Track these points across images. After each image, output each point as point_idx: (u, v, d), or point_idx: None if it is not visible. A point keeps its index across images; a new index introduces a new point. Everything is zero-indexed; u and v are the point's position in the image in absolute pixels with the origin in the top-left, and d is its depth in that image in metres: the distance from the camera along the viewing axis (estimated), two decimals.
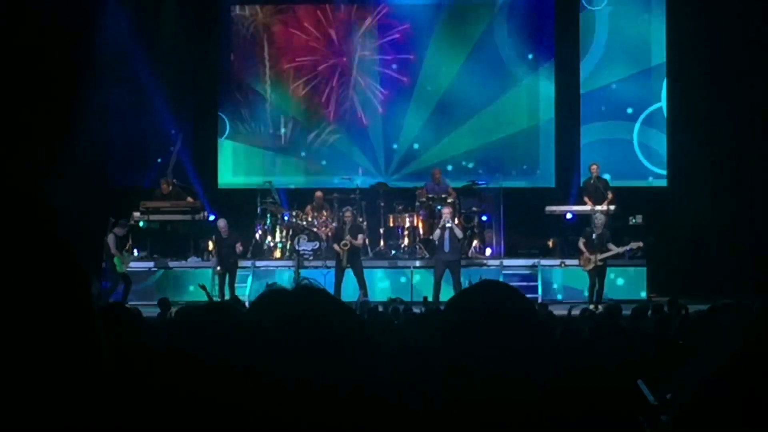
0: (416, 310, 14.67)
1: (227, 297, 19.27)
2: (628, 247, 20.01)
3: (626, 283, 20.80)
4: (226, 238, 20.41)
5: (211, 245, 22.12)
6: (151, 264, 21.50)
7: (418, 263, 21.13)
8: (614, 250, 19.73)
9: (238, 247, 20.40)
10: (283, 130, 24.58)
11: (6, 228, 1.39)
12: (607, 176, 22.20)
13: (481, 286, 2.68)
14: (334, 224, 21.62)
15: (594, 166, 21.76)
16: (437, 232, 19.74)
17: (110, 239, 20.27)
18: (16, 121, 21.06)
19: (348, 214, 20.32)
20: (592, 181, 21.70)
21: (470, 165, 23.90)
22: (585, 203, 21.58)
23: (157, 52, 23.63)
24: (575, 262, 20.26)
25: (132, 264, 20.89)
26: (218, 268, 20.48)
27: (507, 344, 2.43)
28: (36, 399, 1.38)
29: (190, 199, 22.05)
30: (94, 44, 23.13)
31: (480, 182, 22.79)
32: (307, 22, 24.59)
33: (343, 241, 19.81)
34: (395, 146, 24.25)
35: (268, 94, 24.49)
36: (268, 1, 24.93)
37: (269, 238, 21.76)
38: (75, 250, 1.48)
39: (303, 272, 20.01)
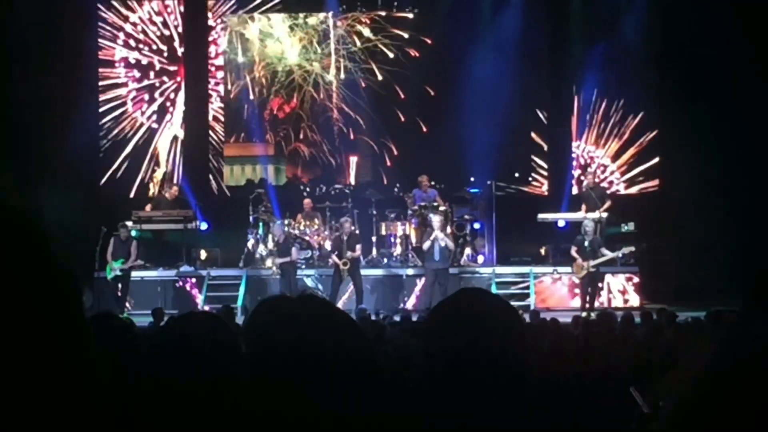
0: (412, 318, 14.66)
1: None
2: (620, 253, 20.01)
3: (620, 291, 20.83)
4: (282, 243, 20.41)
5: (203, 253, 22.13)
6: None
7: (410, 271, 21.10)
8: (608, 255, 19.72)
9: (294, 253, 20.39)
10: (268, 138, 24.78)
11: None
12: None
13: (460, 295, 2.67)
14: (326, 233, 21.66)
15: (590, 174, 21.79)
16: (427, 242, 19.74)
17: (111, 243, 20.22)
18: (7, 130, 21.04)
19: (347, 225, 20.26)
20: (586, 189, 21.66)
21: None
22: (578, 210, 21.56)
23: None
24: (568, 269, 20.28)
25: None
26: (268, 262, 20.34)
27: (485, 352, 2.42)
28: (26, 415, 1.37)
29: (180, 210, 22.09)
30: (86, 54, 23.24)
31: (472, 190, 22.79)
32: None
33: (343, 260, 19.79)
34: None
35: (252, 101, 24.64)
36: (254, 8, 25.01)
37: (261, 246, 21.71)
38: (64, 259, 1.47)
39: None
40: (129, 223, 21.25)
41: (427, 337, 2.54)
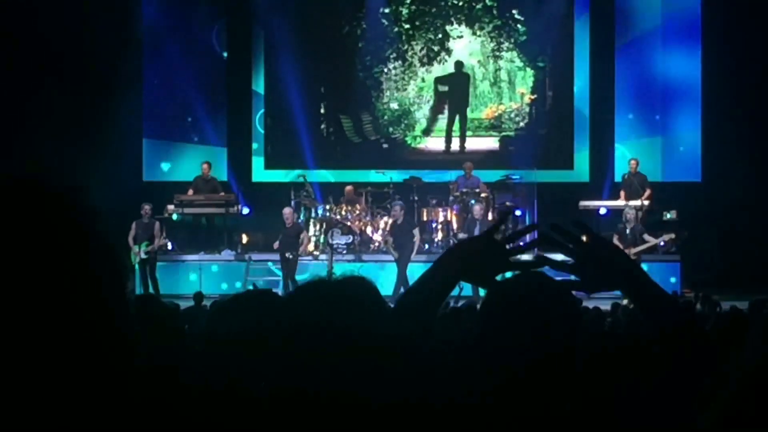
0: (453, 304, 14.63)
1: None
2: (661, 240, 19.96)
3: (659, 279, 20.72)
4: (290, 228, 20.39)
5: (244, 238, 22.19)
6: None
7: None
8: (651, 241, 19.69)
9: (303, 237, 20.34)
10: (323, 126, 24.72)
11: (41, 219, 1.41)
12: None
13: (518, 279, 2.67)
14: (368, 218, 21.66)
15: (633, 162, 21.76)
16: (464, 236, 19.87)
17: (132, 227, 20.08)
18: (51, 115, 21.18)
19: (398, 209, 20.38)
20: (628, 177, 21.68)
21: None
22: (619, 198, 21.54)
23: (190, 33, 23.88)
24: None
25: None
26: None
27: (543, 335, 2.43)
28: (62, 394, 1.39)
29: (222, 193, 22.11)
30: (131, 39, 23.35)
31: (514, 177, 22.75)
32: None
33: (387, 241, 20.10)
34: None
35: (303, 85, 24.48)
36: None
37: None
38: (108, 238, 1.49)
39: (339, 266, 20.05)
40: (170, 207, 21.41)
41: (481, 323, 2.55)
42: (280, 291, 19.31)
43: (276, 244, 20.28)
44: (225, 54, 24.43)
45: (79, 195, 1.48)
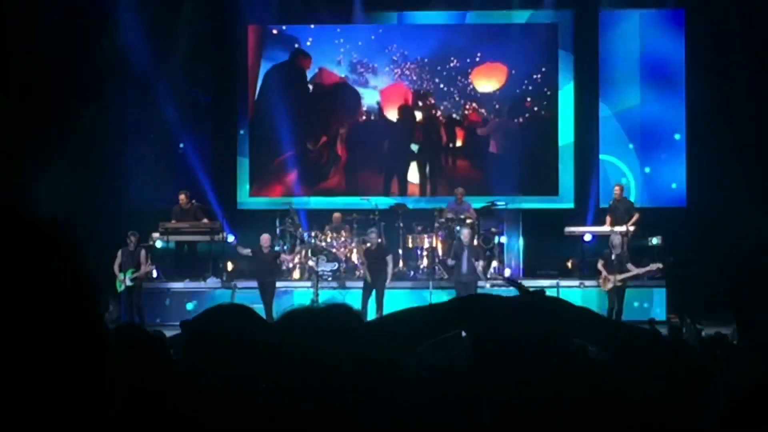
0: None
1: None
2: (647, 269, 19.92)
3: (647, 305, 20.68)
4: (266, 254, 20.38)
5: (230, 265, 22.13)
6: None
7: (437, 284, 21.02)
8: (633, 271, 19.66)
9: (283, 259, 20.46)
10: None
11: (11, 239, 1.41)
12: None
13: (507, 309, 2.67)
14: (353, 245, 21.63)
15: (617, 188, 21.92)
16: (451, 261, 19.84)
17: (118, 255, 19.90)
18: (33, 140, 21.13)
19: (373, 236, 20.31)
20: (613, 203, 21.83)
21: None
22: (604, 224, 21.58)
23: (174, 69, 23.79)
24: (594, 282, 20.20)
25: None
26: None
27: (536, 360, 2.42)
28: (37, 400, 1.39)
29: (206, 220, 22.01)
30: (112, 61, 23.28)
31: (499, 203, 22.77)
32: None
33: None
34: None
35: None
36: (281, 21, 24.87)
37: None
38: (83, 268, 1.49)
39: (324, 293, 20.06)
40: (155, 235, 21.36)
41: (472, 348, 2.55)
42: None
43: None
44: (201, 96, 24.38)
45: (54, 225, 1.48)
